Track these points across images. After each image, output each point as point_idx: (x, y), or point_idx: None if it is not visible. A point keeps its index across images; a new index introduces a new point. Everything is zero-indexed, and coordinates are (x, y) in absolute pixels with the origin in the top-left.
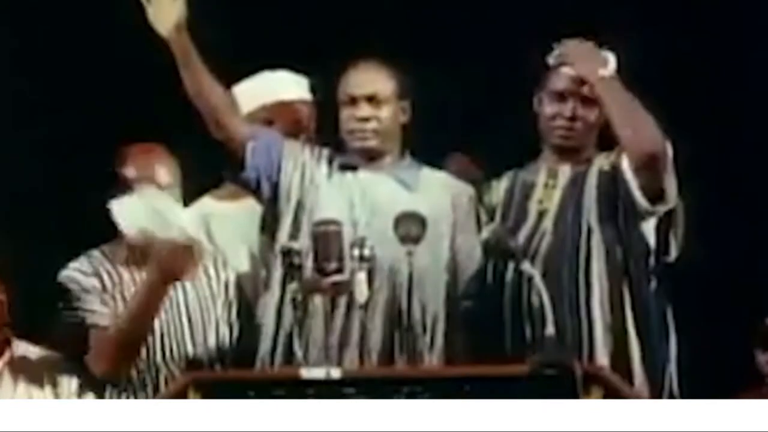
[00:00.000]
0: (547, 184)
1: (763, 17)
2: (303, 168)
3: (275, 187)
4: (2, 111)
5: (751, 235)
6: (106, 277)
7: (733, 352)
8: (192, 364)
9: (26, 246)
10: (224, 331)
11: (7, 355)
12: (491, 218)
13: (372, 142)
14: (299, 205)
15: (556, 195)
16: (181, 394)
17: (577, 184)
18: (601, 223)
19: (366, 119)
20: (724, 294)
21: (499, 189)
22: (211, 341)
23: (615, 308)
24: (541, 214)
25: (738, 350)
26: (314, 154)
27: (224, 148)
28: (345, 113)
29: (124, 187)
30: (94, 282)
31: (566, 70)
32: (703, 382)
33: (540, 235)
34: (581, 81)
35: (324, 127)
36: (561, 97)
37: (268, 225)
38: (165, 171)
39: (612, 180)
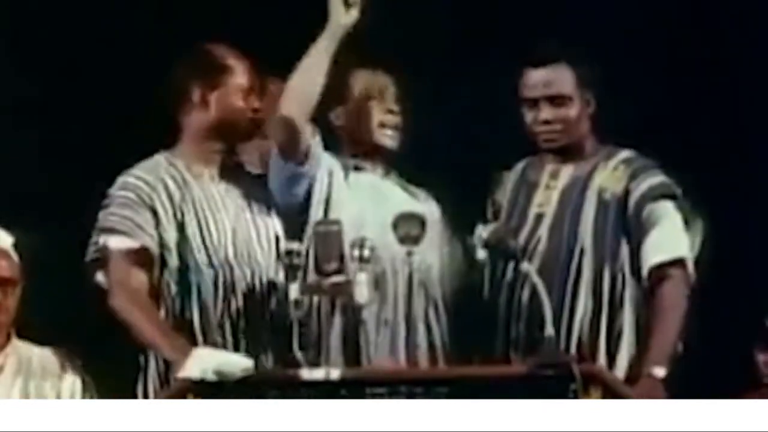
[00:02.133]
0: (548, 185)
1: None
2: (329, 173)
3: (308, 193)
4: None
5: (751, 234)
6: (172, 185)
7: (733, 352)
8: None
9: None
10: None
11: (7, 351)
12: (496, 217)
13: (391, 139)
14: (327, 207)
15: (554, 198)
16: (181, 394)
17: (575, 191)
18: (595, 248)
19: (396, 113)
20: (723, 294)
21: (507, 186)
22: (273, 240)
23: (593, 326)
24: (538, 218)
25: (738, 350)
26: (330, 156)
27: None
28: (373, 106)
29: (221, 74)
30: (155, 200)
31: (533, 74)
32: (704, 382)
33: (536, 240)
34: (549, 83)
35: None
36: (533, 103)
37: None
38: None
39: (615, 217)
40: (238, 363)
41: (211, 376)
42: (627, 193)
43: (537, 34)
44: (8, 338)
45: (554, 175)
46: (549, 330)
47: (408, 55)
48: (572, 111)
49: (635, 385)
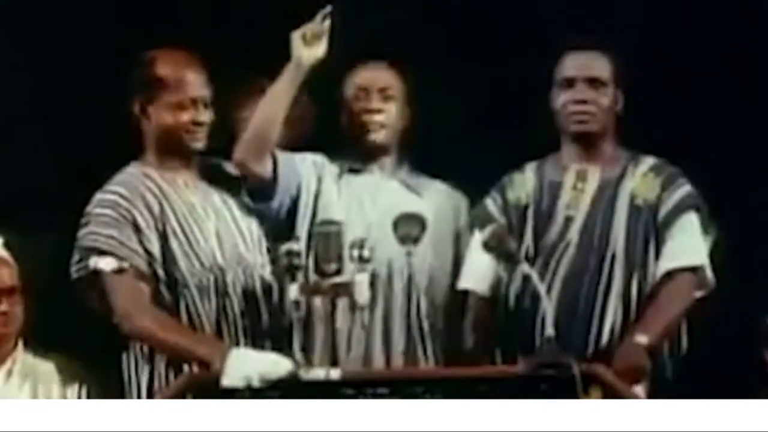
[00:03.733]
0: (576, 186)
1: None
2: (318, 178)
3: (294, 202)
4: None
5: (760, 234)
6: (150, 197)
7: (742, 353)
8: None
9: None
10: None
11: (14, 359)
12: (523, 218)
13: (378, 135)
14: (314, 211)
15: (584, 201)
16: (180, 395)
17: (606, 195)
18: (627, 253)
19: (377, 111)
20: (730, 294)
21: (526, 186)
22: (256, 239)
23: (623, 333)
24: (567, 220)
25: (747, 350)
26: (326, 160)
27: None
28: (354, 106)
29: (155, 88)
30: (136, 214)
31: (572, 56)
32: (714, 382)
33: (565, 244)
34: (589, 66)
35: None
36: (570, 83)
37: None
38: (197, 78)
39: (647, 224)
40: (280, 366)
41: (256, 383)
42: (659, 201)
43: (550, 28)
44: (15, 345)
45: (582, 177)
46: (549, 330)
47: (416, 49)
48: (606, 99)
49: (620, 351)
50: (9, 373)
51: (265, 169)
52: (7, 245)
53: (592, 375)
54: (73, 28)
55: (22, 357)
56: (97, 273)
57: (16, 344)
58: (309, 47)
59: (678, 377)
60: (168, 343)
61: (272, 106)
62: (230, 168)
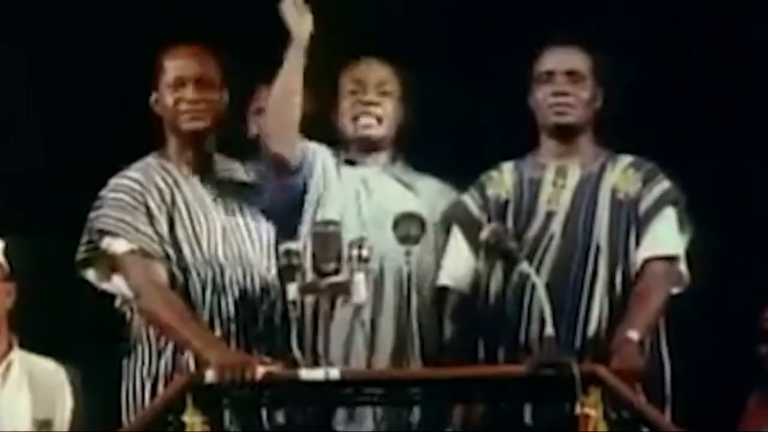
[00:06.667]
0: (556, 182)
1: None
2: (324, 168)
3: (305, 186)
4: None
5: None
6: (163, 185)
7: (736, 351)
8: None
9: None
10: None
11: (10, 358)
12: (503, 214)
13: (373, 129)
14: (318, 205)
15: (566, 196)
16: (179, 396)
17: (588, 190)
18: (610, 245)
19: (374, 104)
20: (721, 293)
21: (505, 183)
22: (265, 241)
23: (609, 325)
24: (549, 215)
25: (741, 346)
26: (329, 153)
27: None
28: (350, 99)
29: (158, 75)
30: (149, 199)
31: (553, 50)
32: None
33: (548, 238)
34: (568, 59)
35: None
36: (549, 75)
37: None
38: (188, 59)
39: (628, 217)
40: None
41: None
42: (640, 196)
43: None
44: (10, 346)
45: (562, 173)
46: (549, 329)
47: (411, 47)
48: (585, 93)
49: (614, 350)
50: (4, 377)
51: (294, 154)
52: (6, 250)
53: (592, 375)
54: (74, 24)
55: (18, 360)
56: (106, 255)
57: (11, 347)
58: (302, 17)
59: (674, 376)
60: (173, 329)
61: (286, 88)
62: (245, 174)
